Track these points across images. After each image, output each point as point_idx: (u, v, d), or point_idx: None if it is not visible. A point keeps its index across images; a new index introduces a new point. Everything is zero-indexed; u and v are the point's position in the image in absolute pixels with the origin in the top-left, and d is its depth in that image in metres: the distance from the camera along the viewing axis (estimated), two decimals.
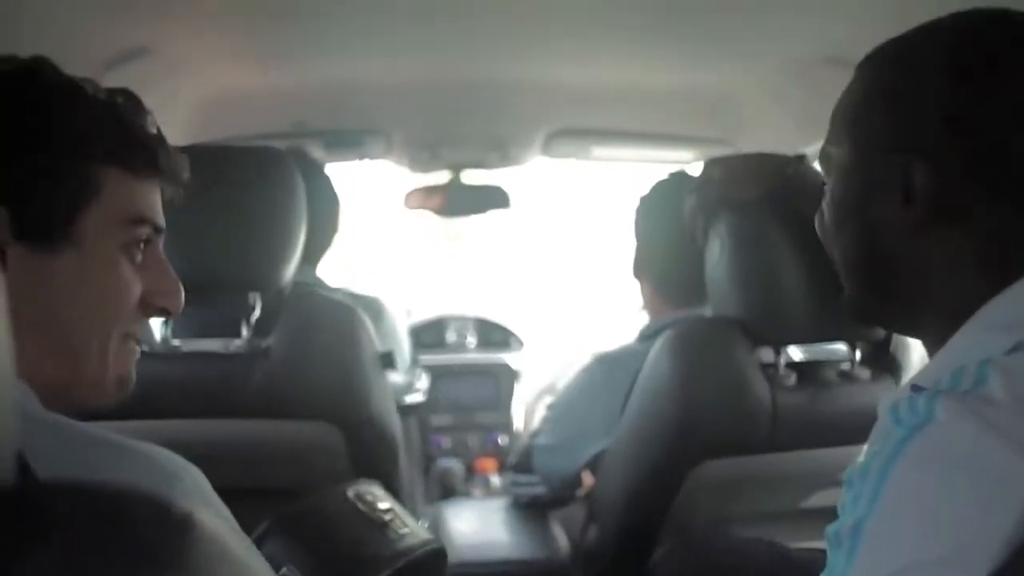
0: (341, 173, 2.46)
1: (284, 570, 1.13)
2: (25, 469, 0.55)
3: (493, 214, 2.91)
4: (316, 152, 2.40)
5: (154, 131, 0.90)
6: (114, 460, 0.73)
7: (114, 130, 0.86)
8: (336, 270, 2.33)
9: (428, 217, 2.98)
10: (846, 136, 0.85)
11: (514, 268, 4.22)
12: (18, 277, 0.78)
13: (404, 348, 2.27)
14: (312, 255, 2.01)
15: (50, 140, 0.82)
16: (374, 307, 2.05)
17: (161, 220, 0.91)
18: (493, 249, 4.36)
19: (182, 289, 0.92)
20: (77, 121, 0.84)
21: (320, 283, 2.05)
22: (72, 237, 0.82)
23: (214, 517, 0.53)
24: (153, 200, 0.89)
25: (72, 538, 0.43)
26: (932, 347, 0.84)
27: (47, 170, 0.82)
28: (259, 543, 1.19)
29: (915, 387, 0.76)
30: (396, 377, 2.18)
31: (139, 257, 0.87)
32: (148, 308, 0.89)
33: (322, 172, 2.10)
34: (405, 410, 2.09)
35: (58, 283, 0.82)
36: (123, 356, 0.87)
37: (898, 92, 0.81)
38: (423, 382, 2.28)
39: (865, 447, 0.78)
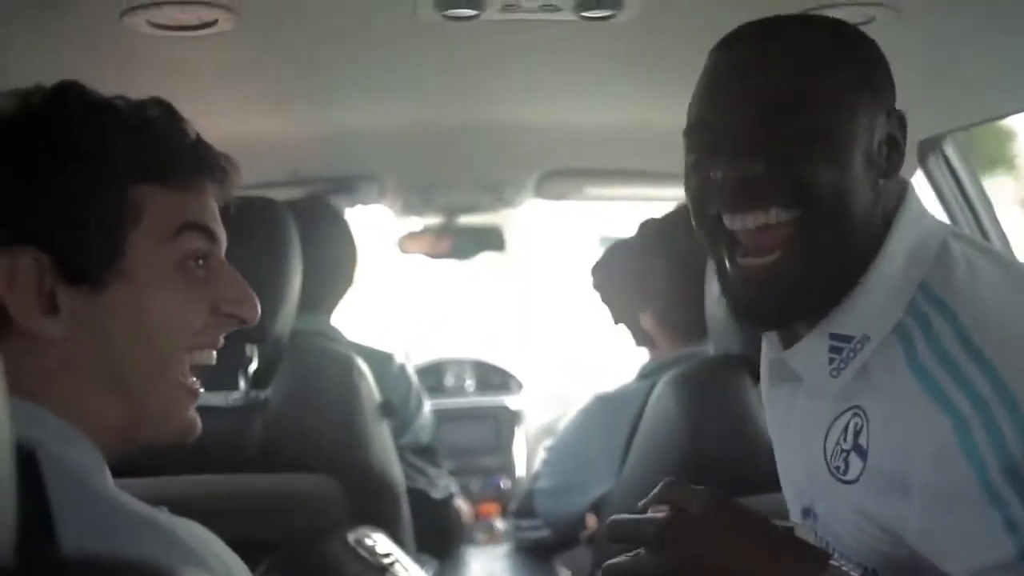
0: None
1: None
2: (51, 540, 0.54)
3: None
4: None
5: (192, 138, 0.83)
6: (143, 537, 0.70)
7: (146, 146, 0.80)
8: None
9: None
10: None
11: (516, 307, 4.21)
12: (72, 322, 0.75)
13: (424, 415, 2.19)
14: (325, 304, 1.99)
15: (79, 170, 0.77)
16: (380, 359, 2.01)
17: (216, 227, 0.84)
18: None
19: (255, 298, 0.85)
20: (106, 145, 0.78)
21: (335, 333, 2.00)
22: (120, 270, 0.77)
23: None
24: (202, 207, 0.82)
25: None
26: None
27: (81, 203, 0.76)
28: None
29: None
30: (429, 470, 2.13)
31: (199, 271, 0.81)
32: (220, 320, 0.83)
33: (340, 219, 2.08)
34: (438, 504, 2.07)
35: (113, 321, 0.77)
36: (183, 390, 0.82)
37: None
38: (444, 478, 2.24)
39: None
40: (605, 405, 1.82)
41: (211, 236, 0.83)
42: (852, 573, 0.83)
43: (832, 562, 0.79)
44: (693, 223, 0.94)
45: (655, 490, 0.86)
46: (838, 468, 0.86)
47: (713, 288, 1.49)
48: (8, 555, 0.42)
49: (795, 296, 0.87)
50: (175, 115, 0.84)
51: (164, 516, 0.73)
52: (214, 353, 0.85)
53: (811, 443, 0.90)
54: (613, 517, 0.86)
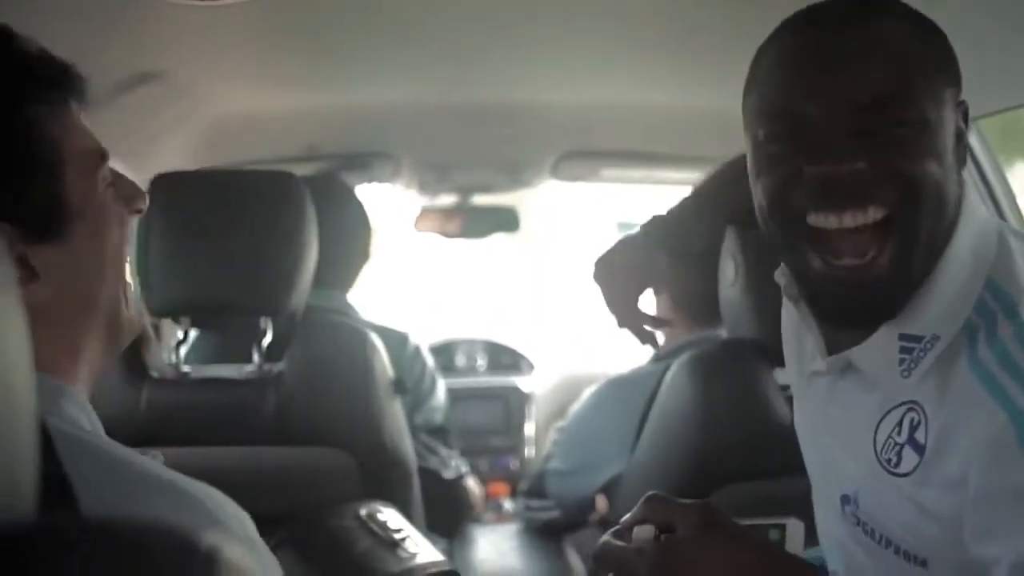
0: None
1: None
2: (69, 499, 0.54)
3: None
4: None
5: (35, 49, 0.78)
6: (161, 498, 0.70)
7: (39, 77, 0.75)
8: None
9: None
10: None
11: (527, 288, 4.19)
12: (52, 279, 0.75)
13: (438, 396, 2.19)
14: (342, 280, 1.99)
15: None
16: (395, 339, 2.00)
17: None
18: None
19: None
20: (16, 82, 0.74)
21: (349, 310, 2.00)
22: (73, 212, 0.76)
23: (247, 553, 0.51)
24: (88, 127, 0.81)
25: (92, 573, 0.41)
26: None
27: (8, 158, 0.73)
28: None
29: None
30: (441, 450, 2.14)
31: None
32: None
33: (353, 197, 2.08)
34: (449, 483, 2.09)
35: (84, 263, 0.78)
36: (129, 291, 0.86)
37: None
38: (456, 458, 2.25)
39: None
40: (618, 387, 1.81)
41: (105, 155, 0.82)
42: None
43: None
44: (763, 220, 0.89)
45: (637, 506, 0.82)
46: (889, 460, 0.85)
47: (727, 272, 1.48)
48: (30, 518, 0.42)
49: (889, 295, 0.85)
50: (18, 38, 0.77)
51: (179, 477, 0.74)
52: None
53: (858, 434, 0.89)
54: (600, 542, 0.82)
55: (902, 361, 0.84)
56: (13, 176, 0.74)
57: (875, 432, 0.87)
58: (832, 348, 0.93)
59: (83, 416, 0.76)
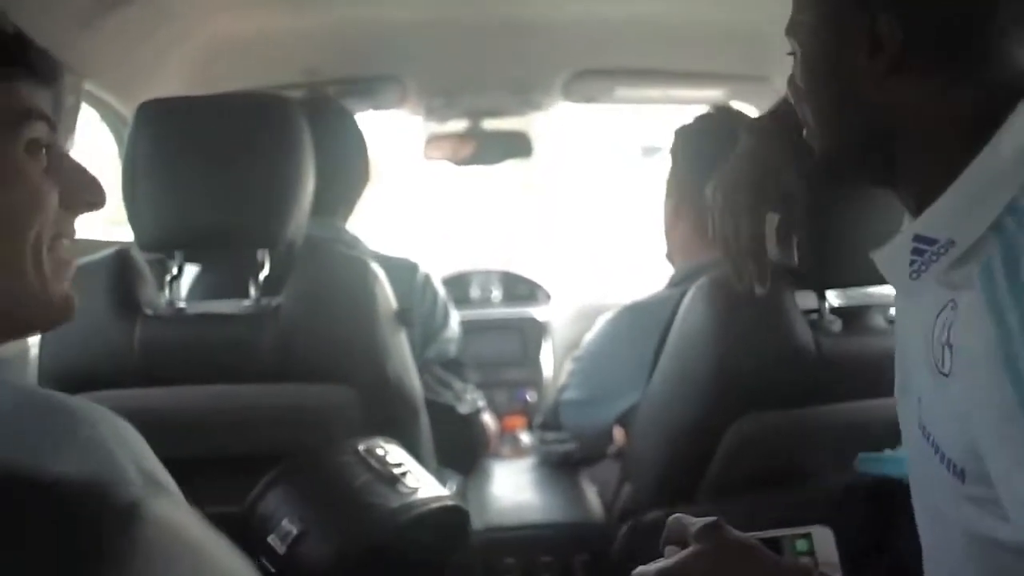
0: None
1: (284, 522, 1.08)
2: None
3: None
4: None
5: (9, 28, 0.80)
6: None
7: None
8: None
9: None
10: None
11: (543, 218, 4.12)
12: None
13: (451, 328, 2.12)
14: (340, 208, 1.91)
15: None
16: (404, 270, 1.92)
17: (54, 117, 0.83)
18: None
19: (99, 180, 0.84)
20: None
21: (350, 238, 1.91)
22: None
23: (177, 507, 0.44)
24: (37, 97, 0.81)
25: None
26: (914, 194, 0.87)
27: None
28: (261, 495, 1.14)
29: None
30: (456, 383, 2.09)
31: (45, 160, 0.80)
32: (73, 207, 0.83)
33: (350, 119, 1.97)
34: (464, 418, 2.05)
35: None
36: (59, 266, 0.81)
37: None
38: (472, 392, 2.19)
39: None
40: (633, 314, 1.75)
41: (52, 125, 0.81)
42: None
43: None
44: None
45: (664, 530, 0.85)
46: (938, 361, 0.83)
47: None
48: None
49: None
50: None
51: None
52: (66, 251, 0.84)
53: (921, 333, 0.87)
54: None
55: (912, 263, 0.85)
56: None
57: (933, 331, 0.85)
58: None
59: None
